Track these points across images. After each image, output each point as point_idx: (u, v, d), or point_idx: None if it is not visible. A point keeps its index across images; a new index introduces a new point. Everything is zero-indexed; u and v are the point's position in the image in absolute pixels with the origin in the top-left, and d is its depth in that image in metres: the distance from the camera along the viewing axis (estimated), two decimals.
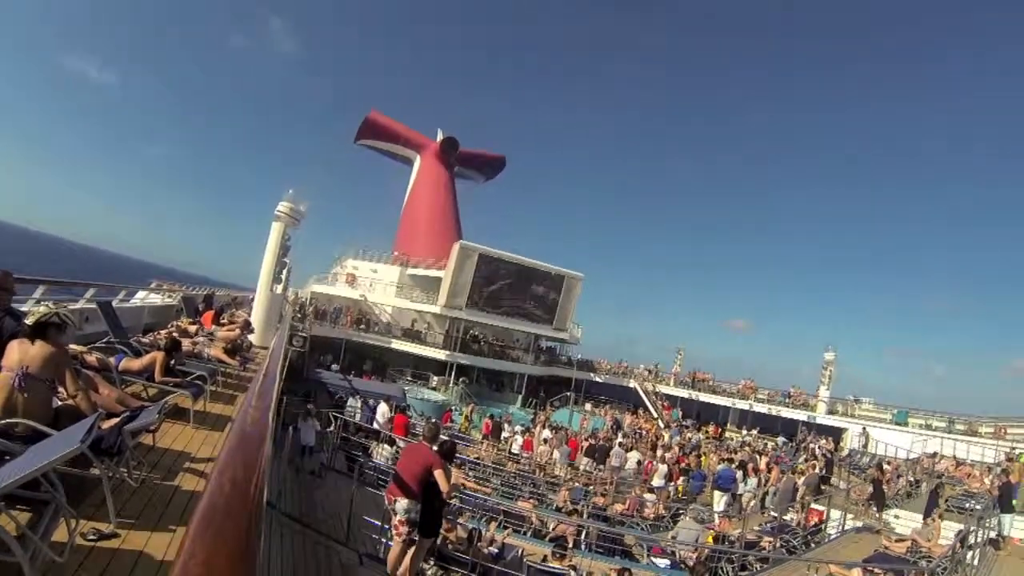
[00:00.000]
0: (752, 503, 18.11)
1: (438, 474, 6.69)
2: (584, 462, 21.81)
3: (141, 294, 14.73)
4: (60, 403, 4.12)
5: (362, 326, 35.59)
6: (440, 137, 49.31)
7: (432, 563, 8.37)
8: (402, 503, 6.72)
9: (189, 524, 1.22)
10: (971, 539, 11.11)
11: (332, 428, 14.84)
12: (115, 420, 4.13)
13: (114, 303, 9.93)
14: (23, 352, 3.88)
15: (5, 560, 2.68)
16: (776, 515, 15.94)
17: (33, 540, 2.78)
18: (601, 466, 21.44)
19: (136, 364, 6.39)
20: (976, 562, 10.45)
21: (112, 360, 6.15)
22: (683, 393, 40.50)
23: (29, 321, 4.05)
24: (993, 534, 12.27)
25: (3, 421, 3.57)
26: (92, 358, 5.78)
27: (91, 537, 3.39)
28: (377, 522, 8.94)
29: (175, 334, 8.40)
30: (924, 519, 12.59)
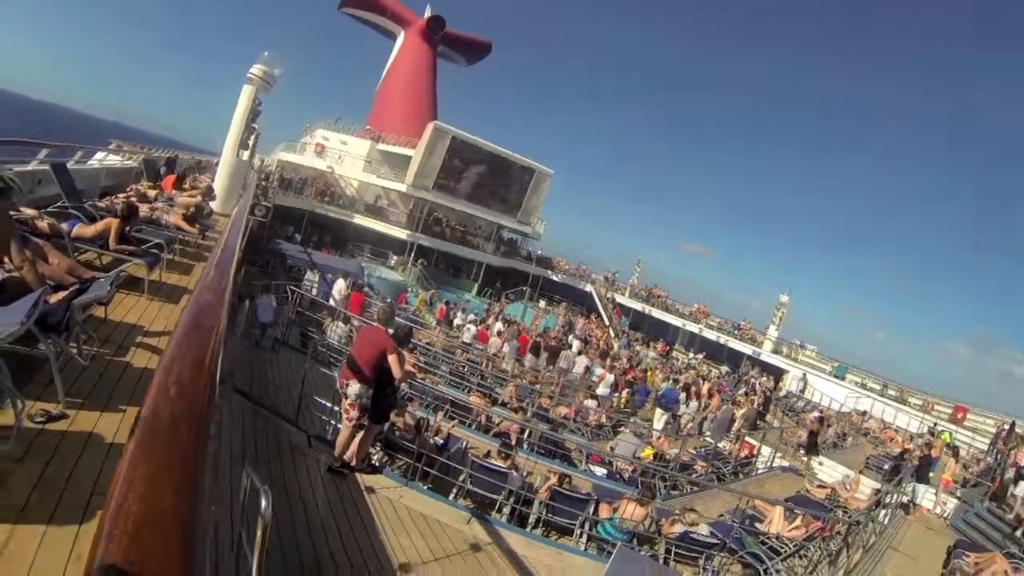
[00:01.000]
0: (690, 426, 18.89)
1: (392, 359, 6.67)
2: (528, 359, 22.23)
3: (99, 155, 13.71)
4: (5, 275, 3.87)
5: (326, 198, 34.85)
6: (428, 14, 46.81)
7: (379, 449, 8.56)
8: (354, 387, 6.71)
9: (140, 412, 1.18)
10: (887, 499, 11.91)
11: (289, 302, 14.70)
12: (64, 293, 3.91)
13: (69, 164, 9.27)
14: None
15: None
16: (712, 441, 16.76)
17: None
18: (550, 366, 21.98)
19: (90, 230, 6.04)
20: (886, 521, 11.22)
21: (65, 226, 5.80)
22: (637, 306, 41.32)
23: None
24: (906, 499, 13.19)
25: None
26: (43, 224, 5.42)
27: (39, 419, 3.26)
28: (328, 404, 9.01)
29: (133, 199, 7.99)
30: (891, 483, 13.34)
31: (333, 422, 8.46)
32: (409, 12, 47.39)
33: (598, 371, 21.82)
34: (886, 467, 16.18)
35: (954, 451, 15.64)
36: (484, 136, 37.69)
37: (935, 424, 25.44)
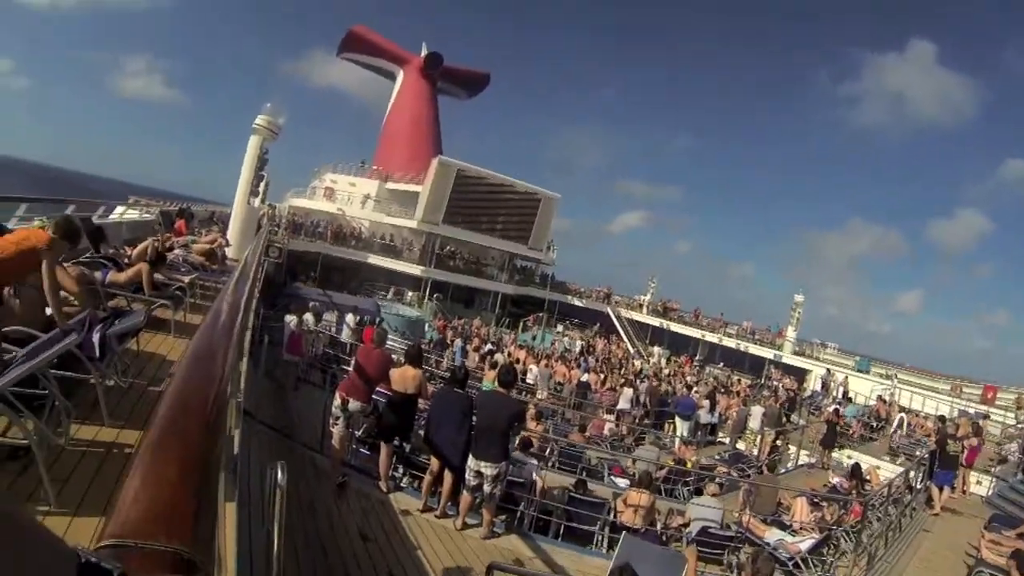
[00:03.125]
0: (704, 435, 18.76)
1: (395, 374, 7.34)
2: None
3: (119, 210, 14.61)
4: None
5: (340, 240, 35.54)
6: (424, 52, 48.14)
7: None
8: (354, 405, 7.30)
9: (149, 425, 1.21)
10: (914, 483, 11.81)
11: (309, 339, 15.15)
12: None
13: (93, 219, 10.00)
14: None
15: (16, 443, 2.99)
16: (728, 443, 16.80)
17: (40, 428, 3.06)
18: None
19: (122, 277, 6.52)
20: (914, 503, 11.13)
21: (98, 275, 6.29)
22: (655, 322, 41.41)
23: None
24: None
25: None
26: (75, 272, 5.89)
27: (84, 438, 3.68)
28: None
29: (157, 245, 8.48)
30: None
31: (354, 446, 8.74)
32: (406, 51, 48.83)
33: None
34: (919, 453, 15.83)
35: (976, 429, 15.00)
36: (495, 166, 38.38)
37: (966, 407, 24.56)
